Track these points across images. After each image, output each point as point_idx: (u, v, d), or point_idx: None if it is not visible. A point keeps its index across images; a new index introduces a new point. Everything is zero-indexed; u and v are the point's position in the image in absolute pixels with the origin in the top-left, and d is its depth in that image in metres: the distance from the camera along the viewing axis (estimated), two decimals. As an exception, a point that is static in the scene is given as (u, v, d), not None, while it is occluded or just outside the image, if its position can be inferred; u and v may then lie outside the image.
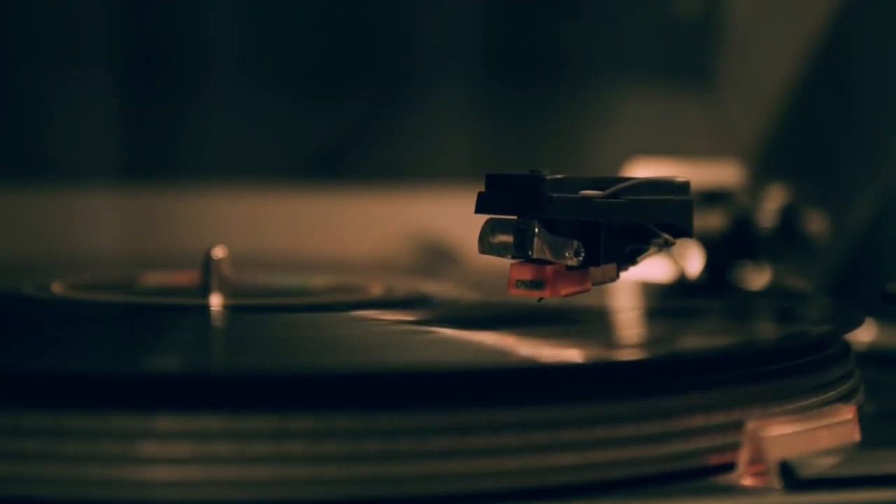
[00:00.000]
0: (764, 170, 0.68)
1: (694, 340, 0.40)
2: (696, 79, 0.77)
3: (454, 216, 0.63)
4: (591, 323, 0.39)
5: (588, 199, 0.37)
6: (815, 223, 0.59)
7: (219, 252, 0.45)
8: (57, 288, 0.48)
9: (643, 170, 0.63)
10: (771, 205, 0.59)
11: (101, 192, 0.70)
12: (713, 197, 0.59)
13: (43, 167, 0.71)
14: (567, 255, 0.37)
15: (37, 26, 0.70)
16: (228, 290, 0.45)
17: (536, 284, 0.37)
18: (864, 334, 0.52)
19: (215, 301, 0.44)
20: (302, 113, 0.74)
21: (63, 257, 0.67)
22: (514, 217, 0.37)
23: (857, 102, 0.69)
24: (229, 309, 0.43)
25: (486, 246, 0.38)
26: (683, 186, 0.39)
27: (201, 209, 0.71)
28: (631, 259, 0.39)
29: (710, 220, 0.58)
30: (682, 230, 0.39)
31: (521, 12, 0.76)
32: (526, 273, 0.37)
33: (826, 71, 0.71)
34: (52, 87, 0.71)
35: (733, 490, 0.32)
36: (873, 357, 0.50)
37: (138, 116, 0.71)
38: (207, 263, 0.45)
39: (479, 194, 0.38)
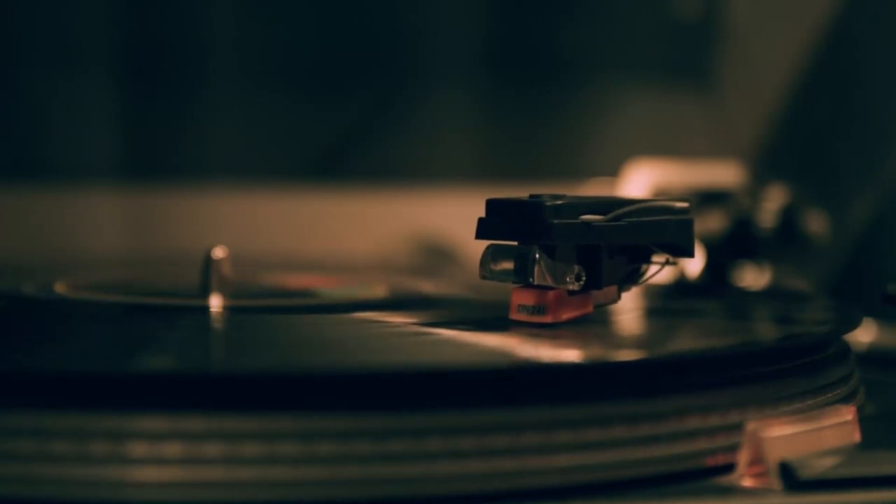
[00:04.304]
0: (764, 170, 0.68)
1: (694, 341, 0.40)
2: (696, 79, 0.77)
3: (454, 216, 0.63)
4: (591, 323, 0.39)
5: (589, 223, 0.37)
6: (815, 223, 0.59)
7: (219, 252, 0.45)
8: (57, 288, 0.48)
9: (643, 170, 0.63)
10: (771, 205, 0.59)
11: (101, 192, 0.70)
12: (713, 197, 0.60)
13: (43, 167, 0.71)
14: (568, 279, 0.38)
15: (37, 26, 0.70)
16: (229, 291, 0.45)
17: (538, 309, 0.38)
18: (864, 335, 0.52)
19: (215, 302, 0.44)
20: (302, 113, 0.74)
21: (63, 257, 0.67)
22: (515, 243, 0.37)
23: (857, 102, 0.69)
24: (228, 310, 0.43)
25: (487, 272, 0.38)
26: (683, 210, 0.39)
27: (201, 209, 0.71)
28: (632, 280, 0.40)
29: (710, 221, 0.58)
30: (683, 249, 0.39)
31: (521, 12, 0.76)
32: (528, 298, 0.38)
33: (826, 71, 0.71)
34: (52, 87, 0.71)
35: (733, 491, 0.32)
36: (873, 357, 0.50)
37: (138, 116, 0.71)
38: (207, 263, 0.45)
39: (480, 220, 0.38)
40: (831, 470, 0.32)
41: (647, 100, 0.77)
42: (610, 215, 0.37)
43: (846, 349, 0.41)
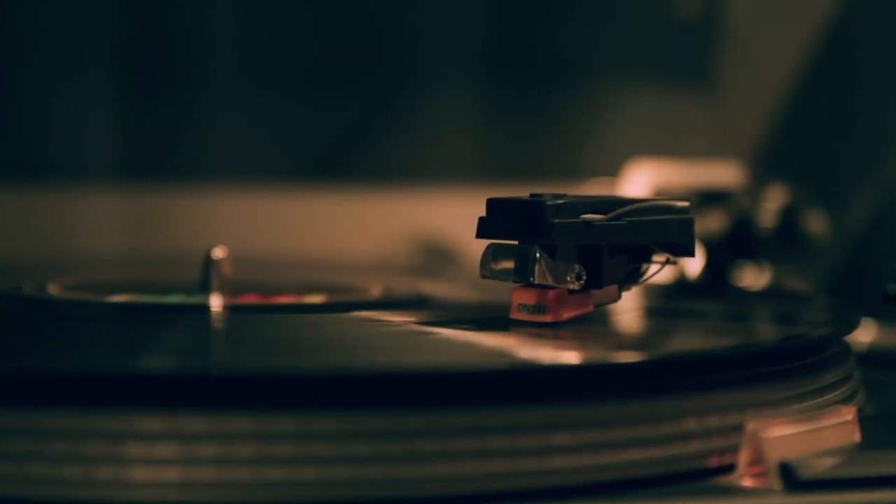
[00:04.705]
0: (764, 170, 0.68)
1: (694, 341, 0.40)
2: (696, 79, 0.77)
3: (454, 216, 0.63)
4: (592, 323, 0.39)
5: (590, 223, 0.37)
6: (815, 223, 0.59)
7: (219, 252, 0.45)
8: (55, 288, 0.48)
9: (643, 170, 0.63)
10: (771, 205, 0.59)
11: (101, 192, 0.70)
12: (713, 197, 0.60)
13: (43, 167, 0.71)
14: (569, 279, 0.38)
15: (37, 26, 0.70)
16: (228, 290, 0.45)
17: (539, 309, 0.38)
18: (865, 335, 0.52)
19: (215, 302, 0.44)
20: (302, 113, 0.74)
21: (63, 257, 0.67)
22: (515, 242, 0.37)
23: (858, 102, 0.69)
24: (228, 309, 0.43)
25: (488, 271, 0.38)
26: (684, 209, 0.39)
27: (201, 209, 0.71)
28: (633, 279, 0.40)
29: (710, 221, 0.58)
30: (684, 249, 0.39)
31: (521, 12, 0.76)
32: (528, 298, 0.38)
33: (826, 71, 0.71)
34: (52, 87, 0.71)
35: (733, 491, 0.32)
36: (873, 358, 0.50)
37: (138, 116, 0.71)
38: (207, 263, 0.45)
39: (480, 219, 0.38)
40: (831, 470, 0.32)
41: (647, 100, 0.77)
42: (611, 215, 0.37)
43: (846, 349, 0.41)
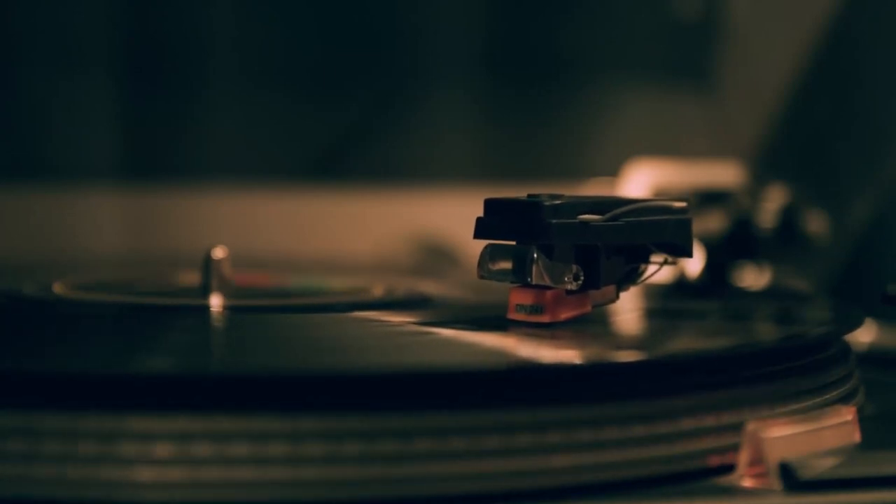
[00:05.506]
0: (764, 170, 0.68)
1: (694, 341, 0.40)
2: (696, 79, 0.77)
3: (454, 216, 0.63)
4: (590, 323, 0.39)
5: (587, 223, 0.37)
6: (815, 223, 0.59)
7: (219, 252, 0.45)
8: (57, 288, 0.48)
9: (643, 170, 0.63)
10: (771, 205, 0.59)
11: (101, 192, 0.70)
12: (713, 197, 0.59)
13: (43, 167, 0.71)
14: (566, 279, 0.38)
15: (37, 26, 0.70)
16: (228, 291, 0.45)
17: (536, 309, 0.38)
18: (865, 335, 0.52)
19: (215, 302, 0.44)
20: (302, 113, 0.74)
21: (63, 257, 0.67)
22: (513, 243, 0.37)
23: (858, 102, 0.69)
24: (229, 310, 0.43)
25: (485, 272, 0.38)
26: (681, 209, 0.39)
27: (201, 209, 0.71)
28: (631, 279, 0.40)
29: (711, 221, 0.58)
30: (682, 249, 0.39)
31: (521, 12, 0.76)
32: (525, 298, 0.38)
33: (826, 71, 0.71)
34: (52, 87, 0.71)
35: (733, 491, 0.32)
36: (873, 358, 0.50)
37: (138, 116, 0.71)
38: (207, 263, 0.45)
39: (478, 220, 0.38)
40: (831, 470, 0.32)
41: (647, 100, 0.77)
42: (608, 215, 0.37)
43: (846, 349, 0.41)
